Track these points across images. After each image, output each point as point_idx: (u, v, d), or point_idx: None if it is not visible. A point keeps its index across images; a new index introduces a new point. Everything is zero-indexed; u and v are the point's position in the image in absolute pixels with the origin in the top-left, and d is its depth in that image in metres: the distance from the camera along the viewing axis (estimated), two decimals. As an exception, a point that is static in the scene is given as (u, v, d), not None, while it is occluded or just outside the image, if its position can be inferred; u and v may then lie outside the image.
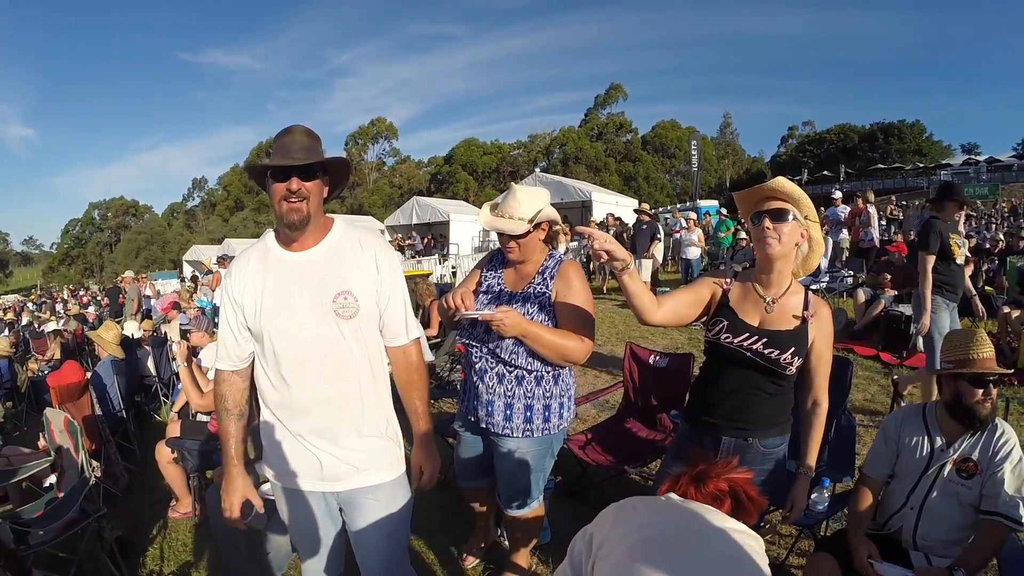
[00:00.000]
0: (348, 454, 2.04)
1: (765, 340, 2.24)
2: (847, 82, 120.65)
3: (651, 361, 4.31)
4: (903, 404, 4.57)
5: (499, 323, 2.33)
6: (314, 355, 1.96)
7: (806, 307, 2.28)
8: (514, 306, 2.52)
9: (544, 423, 2.67)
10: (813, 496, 3.01)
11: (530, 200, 2.60)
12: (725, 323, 2.31)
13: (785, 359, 2.23)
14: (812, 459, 2.38)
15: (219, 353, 2.12)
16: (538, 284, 2.61)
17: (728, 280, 2.39)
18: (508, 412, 2.64)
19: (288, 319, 1.95)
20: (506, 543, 3.35)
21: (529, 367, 2.60)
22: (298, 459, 2.06)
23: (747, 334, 2.26)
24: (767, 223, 2.18)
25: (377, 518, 2.10)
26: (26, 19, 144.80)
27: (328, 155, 1.97)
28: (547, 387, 2.65)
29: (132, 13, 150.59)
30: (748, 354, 2.26)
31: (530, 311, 2.56)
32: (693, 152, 24.90)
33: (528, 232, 2.56)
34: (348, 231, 2.06)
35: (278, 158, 1.89)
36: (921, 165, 44.02)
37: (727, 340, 2.29)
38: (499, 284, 2.73)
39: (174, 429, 4.44)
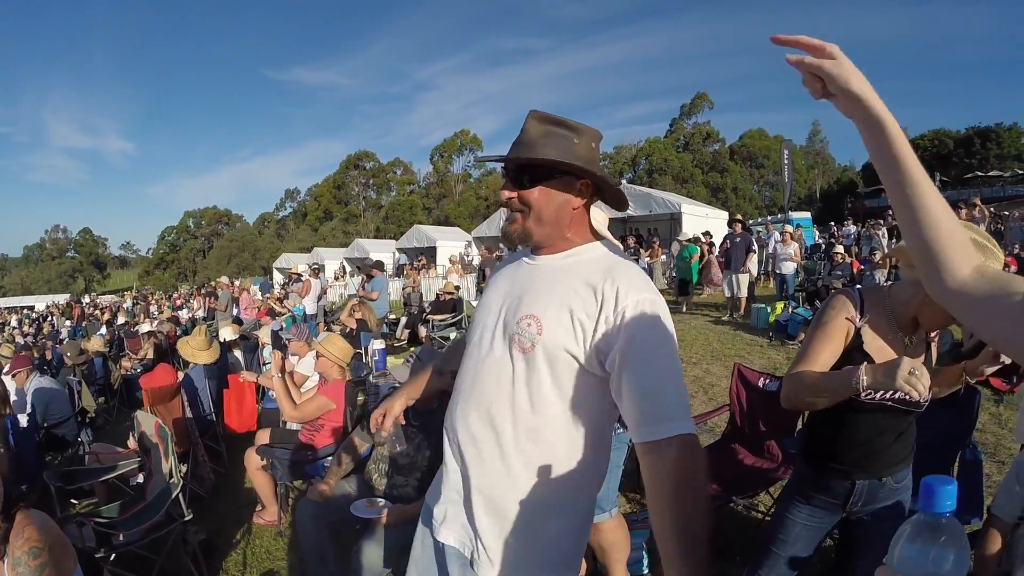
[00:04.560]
0: (463, 514, 1.57)
1: None
2: (939, 84, 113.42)
3: (761, 384, 4.01)
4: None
5: None
6: (477, 377, 1.56)
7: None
8: None
9: None
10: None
11: None
12: None
13: (926, 399, 1.94)
14: None
15: None
16: None
17: (856, 314, 2.03)
18: None
19: (480, 325, 1.64)
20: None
21: None
22: (436, 485, 1.72)
23: None
24: None
25: None
26: (125, 43, 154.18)
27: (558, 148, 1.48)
28: None
29: (222, 36, 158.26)
30: (889, 403, 1.98)
31: None
32: (785, 162, 24.04)
33: None
34: (602, 256, 1.55)
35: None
36: (1021, 172, 41.14)
37: (868, 397, 1.97)
38: None
39: (264, 436, 4.42)
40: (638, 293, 1.42)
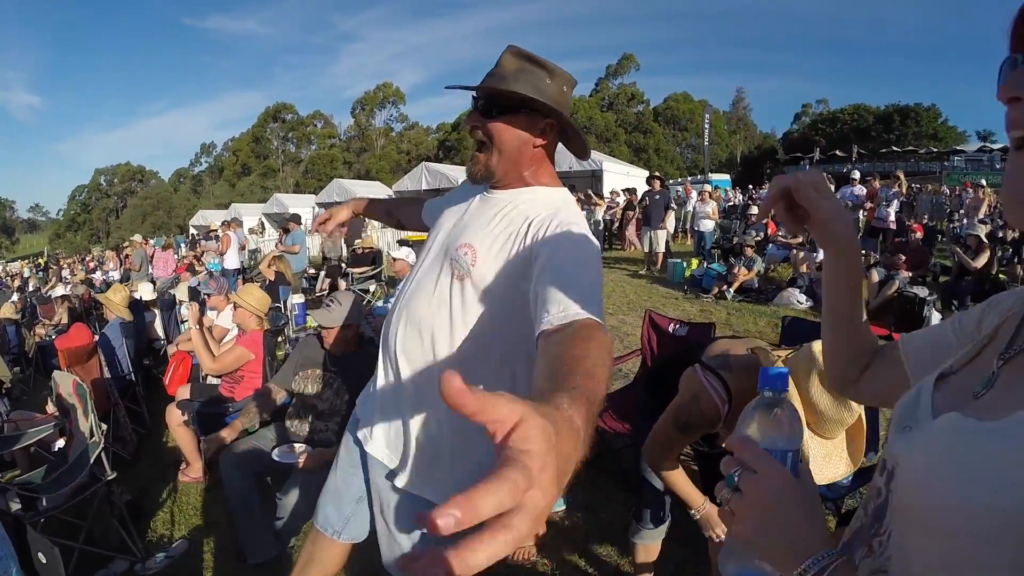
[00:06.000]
0: (381, 417, 1.72)
1: None
2: (863, 61, 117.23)
3: (671, 329, 4.22)
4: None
5: None
6: (414, 293, 1.63)
7: None
8: None
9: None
10: (837, 470, 3.01)
11: None
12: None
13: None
14: None
15: None
16: None
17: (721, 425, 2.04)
18: None
19: (428, 245, 1.70)
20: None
21: None
22: (367, 388, 1.89)
23: None
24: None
25: (380, 506, 1.78)
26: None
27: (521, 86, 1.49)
28: None
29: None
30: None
31: None
32: (706, 126, 24.69)
33: None
34: (553, 201, 1.57)
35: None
36: (935, 150, 43.06)
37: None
38: None
39: (184, 392, 4.39)
40: (568, 225, 1.44)
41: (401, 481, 1.66)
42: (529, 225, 1.48)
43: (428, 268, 1.63)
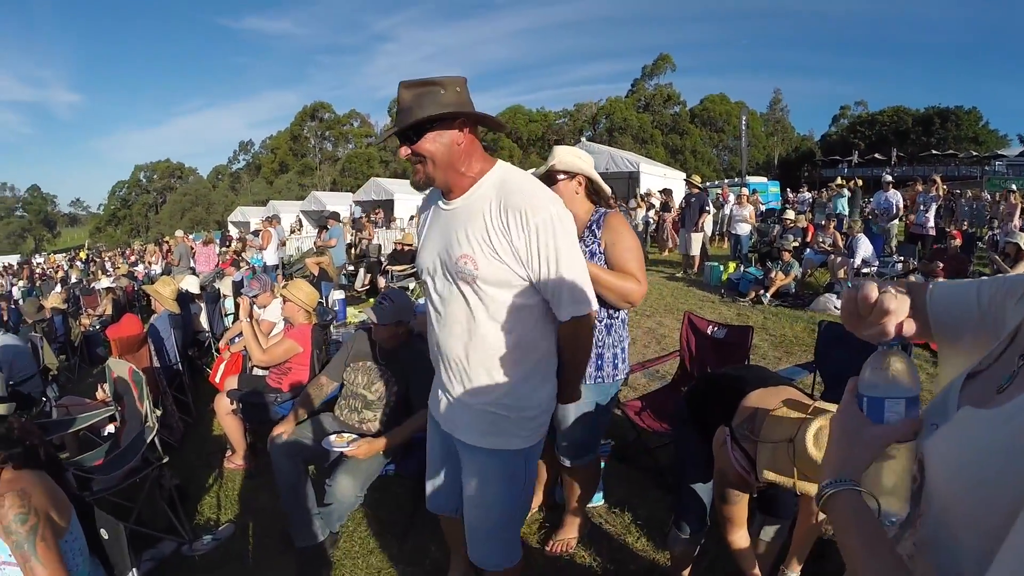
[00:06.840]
0: (457, 408, 2.07)
1: None
2: (902, 62, 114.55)
3: (709, 331, 4.25)
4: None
5: None
6: (438, 308, 2.02)
7: None
8: None
9: (598, 371, 2.73)
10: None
11: (568, 153, 2.78)
12: None
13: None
14: None
15: None
16: (587, 236, 2.68)
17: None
18: None
19: (427, 267, 2.04)
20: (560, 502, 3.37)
21: None
22: (435, 391, 2.23)
23: None
24: None
25: (472, 479, 2.11)
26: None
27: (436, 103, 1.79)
28: (600, 336, 2.71)
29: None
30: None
31: None
32: (743, 127, 24.43)
33: (560, 180, 2.71)
34: (495, 184, 1.89)
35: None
36: (975, 154, 41.85)
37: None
38: None
39: (232, 382, 4.50)
40: (538, 213, 1.80)
41: (487, 445, 2.03)
42: (496, 215, 1.83)
43: (443, 286, 1.98)
